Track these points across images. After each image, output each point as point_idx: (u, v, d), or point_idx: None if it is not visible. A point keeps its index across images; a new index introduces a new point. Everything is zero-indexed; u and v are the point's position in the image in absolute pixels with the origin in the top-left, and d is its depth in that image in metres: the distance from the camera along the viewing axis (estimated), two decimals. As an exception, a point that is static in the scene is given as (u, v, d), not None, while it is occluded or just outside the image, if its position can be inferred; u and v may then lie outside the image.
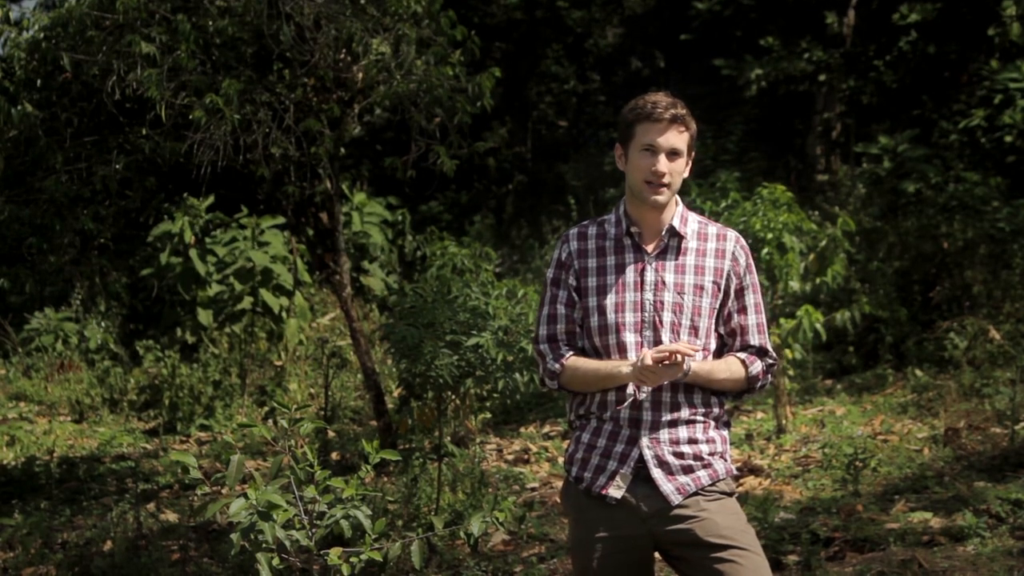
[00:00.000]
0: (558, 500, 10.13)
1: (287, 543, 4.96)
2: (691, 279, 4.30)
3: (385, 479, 10.23)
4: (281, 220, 15.25)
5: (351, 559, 5.13)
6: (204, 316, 15.44)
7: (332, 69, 9.33)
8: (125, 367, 14.55)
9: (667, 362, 4.10)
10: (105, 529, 9.28)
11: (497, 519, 5.31)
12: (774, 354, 4.40)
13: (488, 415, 11.12)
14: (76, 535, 9.35)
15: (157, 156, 9.25)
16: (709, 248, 4.32)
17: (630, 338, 4.29)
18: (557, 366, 4.36)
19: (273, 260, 15.62)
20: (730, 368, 4.33)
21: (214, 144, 8.87)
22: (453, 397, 9.86)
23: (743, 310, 4.35)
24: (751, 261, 4.34)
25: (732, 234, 4.35)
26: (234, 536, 4.84)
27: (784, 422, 11.11)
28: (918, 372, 12.31)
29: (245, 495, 4.87)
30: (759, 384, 4.39)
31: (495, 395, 10.33)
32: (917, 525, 8.44)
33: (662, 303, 4.29)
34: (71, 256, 10.10)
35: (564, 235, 4.44)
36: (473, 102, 9.62)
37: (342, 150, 9.87)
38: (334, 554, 5.15)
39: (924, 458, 9.91)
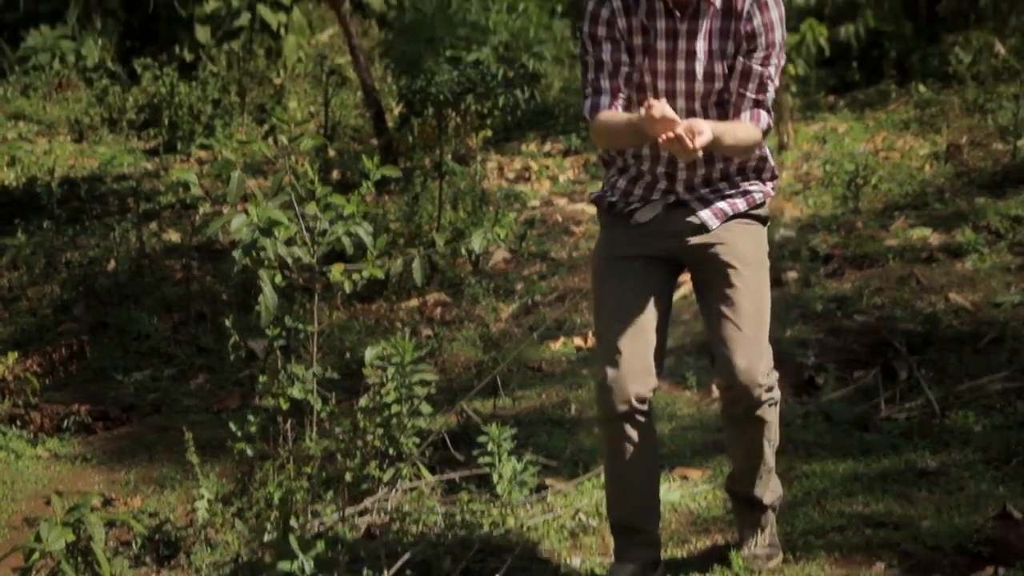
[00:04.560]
0: (557, 220, 10.19)
1: (289, 260, 4.99)
2: (716, 44, 4.07)
3: (386, 198, 10.26)
4: (276, -66, 14.97)
5: (353, 275, 5.17)
6: (202, 33, 15.27)
7: None
8: (123, 85, 14.42)
9: (677, 137, 3.83)
10: (108, 249, 9.34)
11: (498, 235, 5.34)
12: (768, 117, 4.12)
13: (489, 133, 11.07)
14: (79, 255, 9.41)
15: None
16: (730, 7, 4.03)
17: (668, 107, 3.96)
18: (589, 112, 4.14)
19: (270, -26, 15.38)
20: (744, 128, 4.06)
21: None
22: (454, 114, 9.82)
23: (750, 58, 4.05)
24: (771, 19, 4.01)
25: None
26: (236, 253, 4.86)
27: (786, 139, 11.08)
28: (921, 87, 12.22)
29: (246, 212, 4.88)
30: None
31: (496, 112, 10.29)
32: (916, 241, 8.49)
33: (693, 74, 4.10)
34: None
35: None
36: None
37: None
38: (336, 270, 5.19)
39: (925, 175, 9.91)
